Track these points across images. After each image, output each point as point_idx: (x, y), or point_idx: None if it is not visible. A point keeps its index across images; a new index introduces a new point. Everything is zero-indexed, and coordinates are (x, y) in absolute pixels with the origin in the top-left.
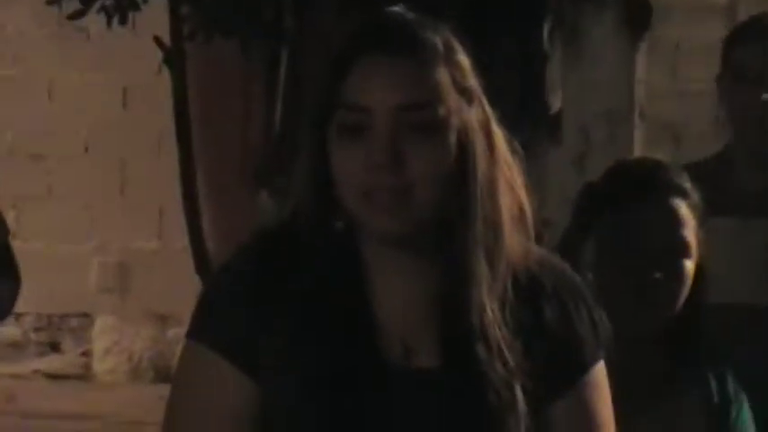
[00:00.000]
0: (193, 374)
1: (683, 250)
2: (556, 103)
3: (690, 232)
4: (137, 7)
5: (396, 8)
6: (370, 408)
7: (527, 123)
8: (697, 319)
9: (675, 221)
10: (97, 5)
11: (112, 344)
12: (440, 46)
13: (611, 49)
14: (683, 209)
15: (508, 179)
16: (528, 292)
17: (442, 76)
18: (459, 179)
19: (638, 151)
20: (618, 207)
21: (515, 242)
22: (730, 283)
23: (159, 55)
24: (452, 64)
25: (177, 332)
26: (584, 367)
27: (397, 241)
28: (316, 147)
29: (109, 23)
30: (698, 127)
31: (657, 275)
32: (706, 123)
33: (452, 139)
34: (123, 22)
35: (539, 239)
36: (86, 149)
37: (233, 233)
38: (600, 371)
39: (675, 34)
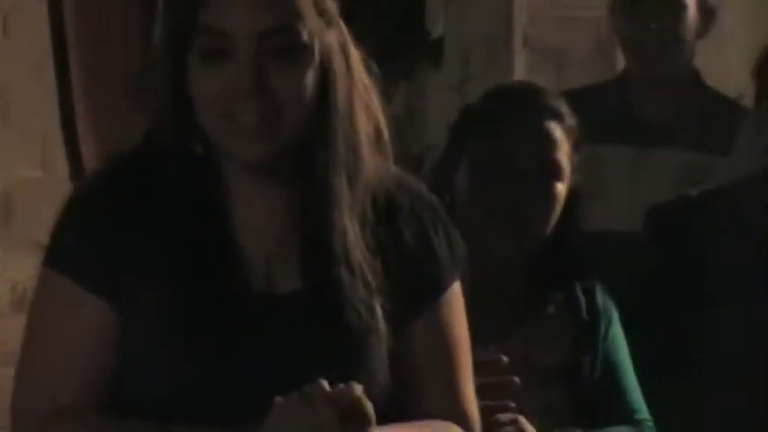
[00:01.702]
0: (49, 301)
1: (554, 172)
2: (437, 28)
3: (563, 155)
4: None
5: None
6: (233, 336)
7: (408, 48)
8: (567, 242)
9: (547, 143)
10: None
11: None
12: None
13: None
14: (557, 131)
15: (365, 100)
16: (386, 213)
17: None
18: (320, 101)
19: (519, 77)
20: (491, 128)
21: (373, 163)
22: (627, 211)
23: None
24: None
25: None
26: (441, 287)
27: (259, 166)
28: (173, 71)
29: None
30: (581, 53)
31: (526, 196)
32: (589, 49)
33: (315, 61)
34: None
35: (419, 163)
36: None
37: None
38: (456, 290)
39: None
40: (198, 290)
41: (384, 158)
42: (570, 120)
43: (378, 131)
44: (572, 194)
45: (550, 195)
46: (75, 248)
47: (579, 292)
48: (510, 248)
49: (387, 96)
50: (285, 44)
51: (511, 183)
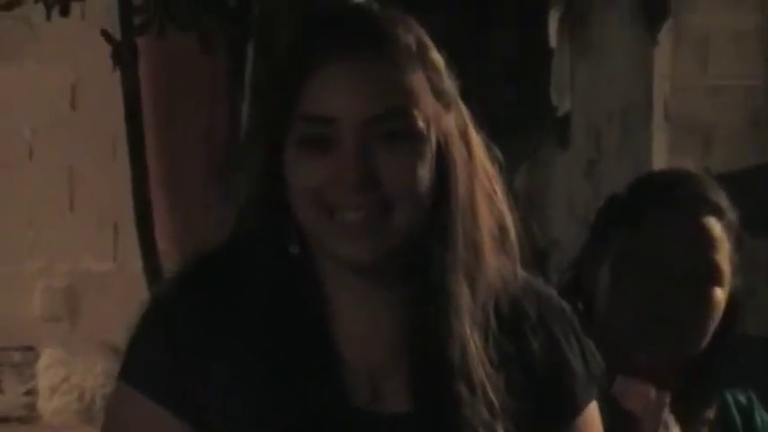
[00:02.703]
0: (125, 421)
1: (713, 276)
2: (564, 103)
3: (722, 256)
4: None
5: (357, 1)
6: None
7: (530, 126)
8: (722, 356)
9: (705, 242)
10: None
11: (60, 381)
12: (412, 44)
13: (625, 40)
14: (717, 228)
15: (488, 192)
16: (510, 321)
17: (417, 79)
18: (438, 195)
19: (659, 157)
20: (639, 223)
21: (497, 264)
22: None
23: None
24: (427, 64)
25: None
26: (577, 407)
27: (365, 269)
28: (267, 161)
29: (48, 15)
30: (731, 128)
31: (679, 302)
32: (741, 124)
33: (430, 149)
34: (65, 13)
35: (544, 259)
36: (30, 155)
37: (194, 252)
38: (593, 410)
39: (704, 23)
40: (292, 406)
41: (509, 259)
42: (731, 215)
43: (502, 228)
44: (731, 301)
45: (708, 303)
46: (154, 363)
47: (734, 411)
48: (657, 362)
49: (506, 181)
50: (396, 130)
51: (661, 286)
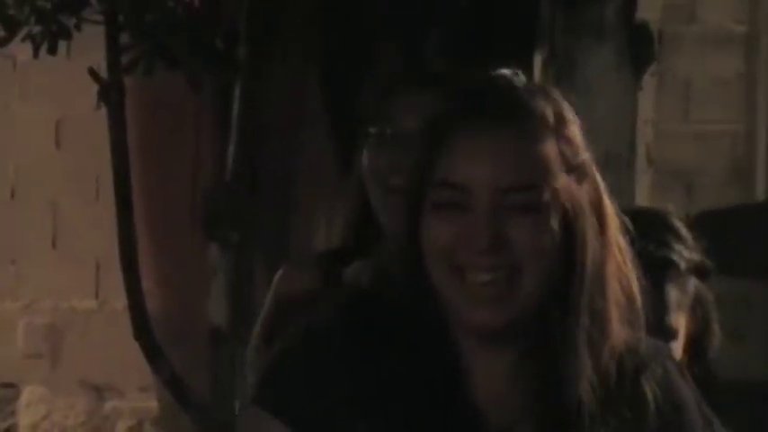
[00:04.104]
0: None
1: (667, 335)
2: None
3: (673, 315)
4: (68, 36)
5: (502, 71)
6: None
7: None
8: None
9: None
10: (22, 33)
11: (41, 418)
12: (550, 117)
13: (610, 85)
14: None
15: (619, 264)
16: (632, 388)
17: (550, 152)
18: (565, 264)
19: (642, 202)
20: None
21: (622, 335)
22: (760, 354)
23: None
24: (562, 137)
25: (116, 405)
26: None
27: (493, 333)
28: (408, 224)
29: (36, 54)
30: (714, 174)
31: None
32: (723, 169)
33: (558, 220)
34: (52, 51)
35: None
36: (12, 194)
37: (178, 293)
38: None
39: (688, 69)
40: None
41: (634, 329)
42: (686, 258)
43: (630, 299)
44: (695, 340)
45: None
46: (296, 391)
47: None
48: None
49: None
50: (526, 202)
51: None
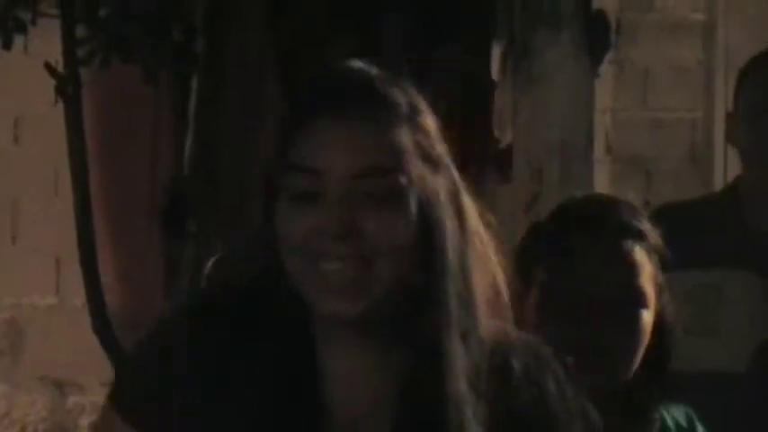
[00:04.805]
0: None
1: (637, 300)
2: (505, 135)
3: (645, 278)
4: (23, 29)
5: (357, 62)
6: None
7: (471, 158)
8: (653, 383)
9: (626, 267)
10: None
11: (2, 415)
12: (404, 107)
13: (567, 73)
14: (636, 252)
15: (482, 256)
16: (502, 378)
17: (405, 140)
18: (424, 255)
19: (602, 190)
20: (561, 251)
21: (490, 326)
22: (734, 346)
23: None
24: (417, 127)
25: (77, 401)
26: None
27: (350, 324)
28: (265, 213)
29: None
30: (672, 162)
31: (604, 330)
32: (681, 158)
33: (414, 209)
34: (7, 46)
35: None
36: None
37: (138, 286)
38: None
39: (646, 57)
40: None
41: (503, 320)
42: (652, 236)
43: (496, 291)
44: (660, 323)
45: (633, 327)
46: (144, 391)
47: None
48: (589, 391)
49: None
50: (380, 189)
51: (586, 316)
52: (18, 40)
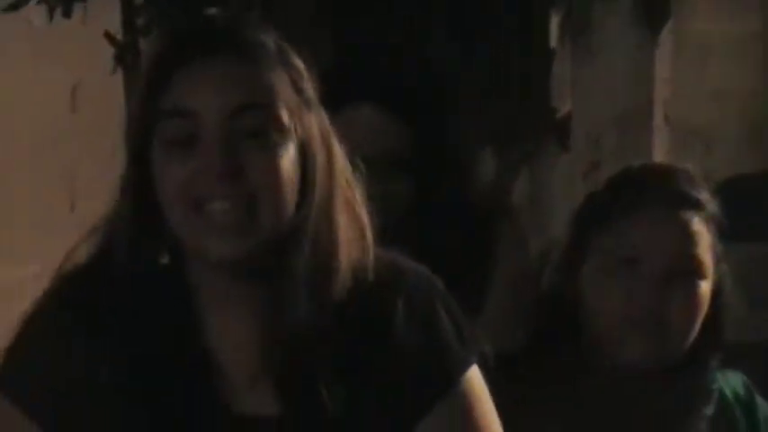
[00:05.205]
0: None
1: (696, 270)
2: (564, 105)
3: (703, 249)
4: None
5: (216, 10)
6: None
7: (530, 129)
8: (711, 353)
9: (684, 236)
10: None
11: None
12: (273, 46)
13: (626, 43)
14: (695, 221)
15: (348, 196)
16: (373, 306)
17: (278, 76)
18: (300, 196)
19: (659, 159)
20: (617, 221)
21: (351, 266)
22: None
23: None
24: (289, 65)
25: None
26: (451, 377)
27: (233, 267)
28: (133, 167)
29: (51, 17)
30: (731, 133)
31: (661, 300)
32: (740, 128)
33: (294, 144)
34: (67, 14)
35: (545, 261)
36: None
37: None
38: (472, 378)
39: (704, 27)
40: (166, 415)
41: (366, 261)
42: (711, 206)
43: (361, 232)
44: (717, 293)
45: (691, 297)
46: (22, 370)
47: (736, 406)
48: (646, 362)
49: (507, 185)
50: (259, 124)
51: (643, 285)
52: (76, 10)
